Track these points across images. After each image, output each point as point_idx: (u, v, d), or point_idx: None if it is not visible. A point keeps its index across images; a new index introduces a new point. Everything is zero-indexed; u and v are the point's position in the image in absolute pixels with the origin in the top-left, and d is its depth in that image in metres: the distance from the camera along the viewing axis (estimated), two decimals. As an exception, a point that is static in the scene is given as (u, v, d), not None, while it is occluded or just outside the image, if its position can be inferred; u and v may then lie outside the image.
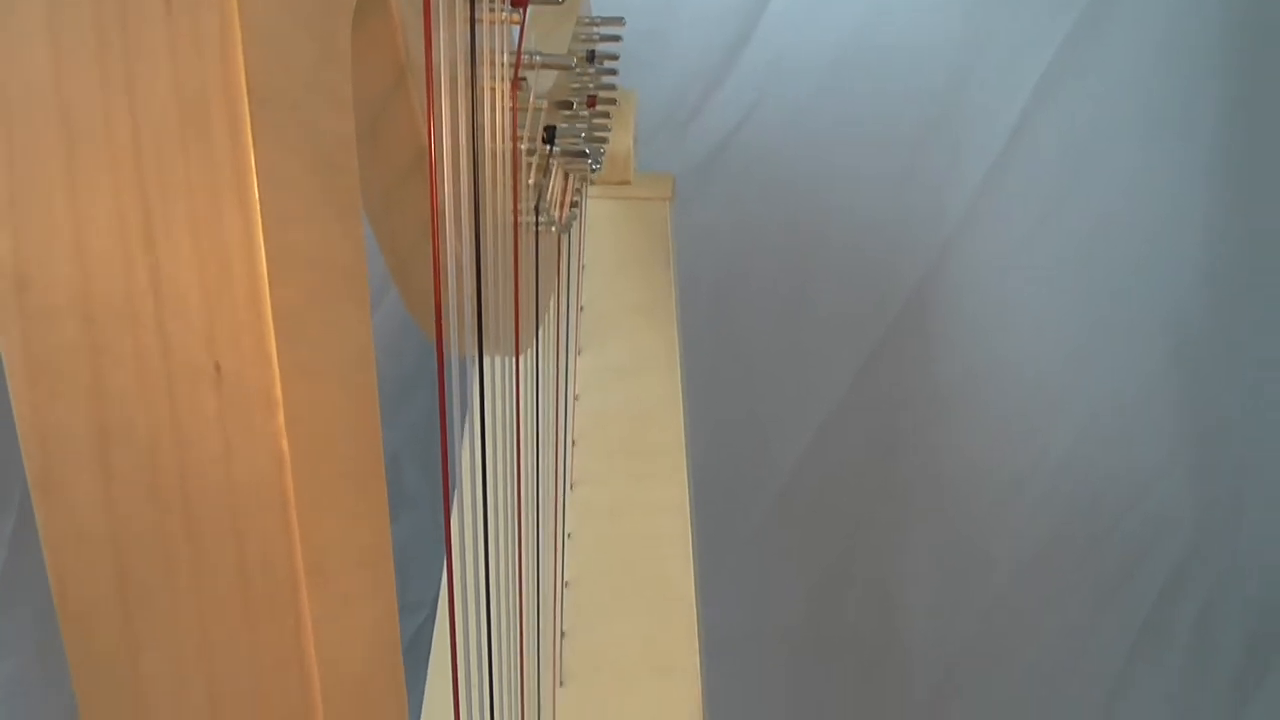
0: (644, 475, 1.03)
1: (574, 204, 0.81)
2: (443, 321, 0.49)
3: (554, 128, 0.63)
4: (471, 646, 0.56)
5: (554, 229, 0.70)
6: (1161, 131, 1.38)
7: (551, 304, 0.89)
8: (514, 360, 0.69)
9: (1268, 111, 1.37)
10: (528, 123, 0.61)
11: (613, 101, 0.90)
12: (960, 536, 1.49)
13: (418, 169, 0.47)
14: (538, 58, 0.56)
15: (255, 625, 0.29)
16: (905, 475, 1.48)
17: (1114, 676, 1.51)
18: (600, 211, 1.19)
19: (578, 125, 0.70)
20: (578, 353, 1.10)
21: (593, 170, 0.77)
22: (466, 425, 0.57)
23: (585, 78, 0.85)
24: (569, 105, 0.64)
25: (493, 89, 0.52)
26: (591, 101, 0.88)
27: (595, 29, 0.95)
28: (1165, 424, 1.45)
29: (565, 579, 1.01)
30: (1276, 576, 1.49)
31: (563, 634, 0.99)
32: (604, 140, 0.82)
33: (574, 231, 1.04)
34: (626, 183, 1.22)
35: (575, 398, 1.07)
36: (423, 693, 0.93)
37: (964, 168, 1.41)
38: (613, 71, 0.93)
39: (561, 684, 0.97)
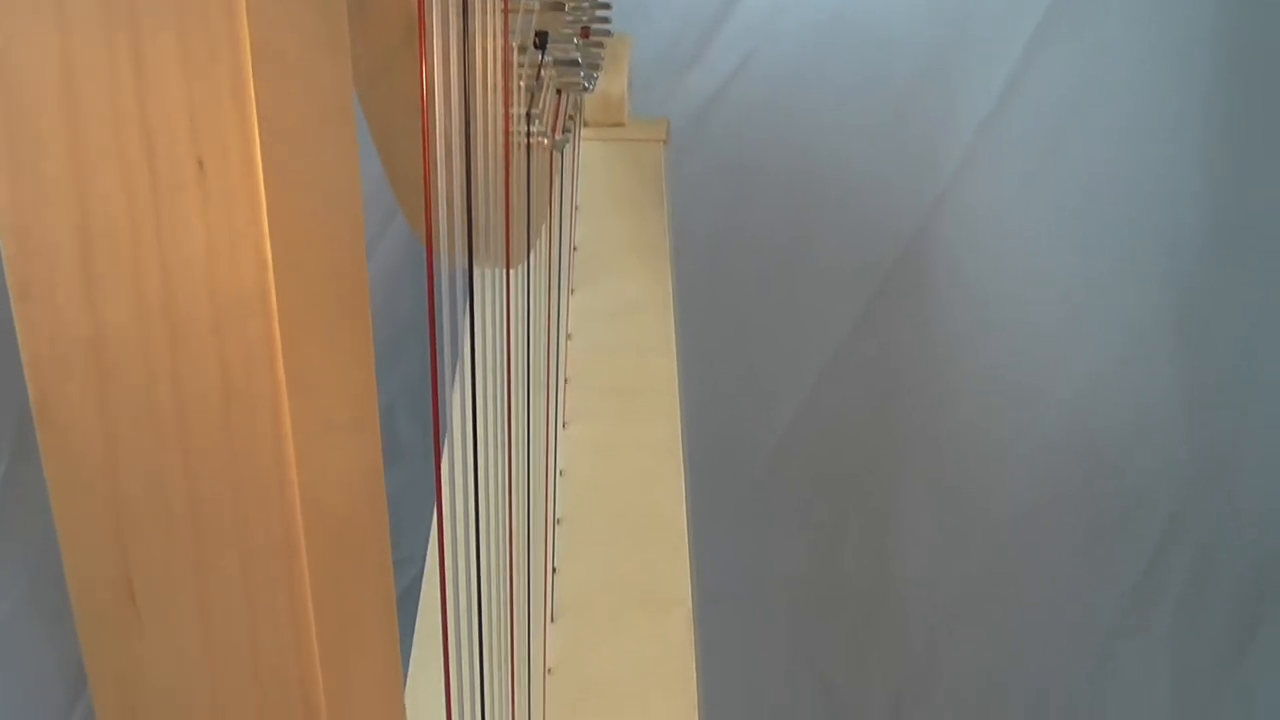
0: (637, 412, 1.03)
1: (567, 128, 0.81)
2: (432, 210, 0.49)
3: (546, 33, 0.63)
4: (461, 584, 0.56)
5: (545, 142, 0.70)
6: (1157, 82, 1.38)
7: (544, 236, 0.89)
8: (505, 298, 0.68)
9: (1264, 64, 1.37)
10: (519, 26, 0.61)
11: (607, 34, 0.90)
12: (956, 489, 1.49)
13: (407, 45, 0.46)
14: (529, -47, 0.56)
15: (237, 437, 0.29)
16: (901, 428, 1.48)
17: (1110, 629, 1.50)
18: (594, 153, 1.19)
19: (571, 37, 0.70)
20: (570, 292, 1.09)
21: (585, 90, 0.76)
22: (458, 363, 0.57)
23: (579, 11, 0.84)
24: (561, 6, 0.64)
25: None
26: (585, 33, 0.87)
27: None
28: (1161, 377, 1.45)
29: (557, 516, 1.00)
30: (1272, 529, 1.48)
31: (554, 570, 0.98)
32: (597, 66, 0.81)
33: (568, 170, 1.04)
34: (620, 124, 1.22)
35: (568, 337, 1.07)
36: (413, 629, 0.93)
37: (959, 120, 1.41)
38: (606, 5, 0.93)
39: (553, 620, 0.97)
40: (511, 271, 0.70)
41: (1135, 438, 1.46)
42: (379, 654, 0.34)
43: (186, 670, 0.30)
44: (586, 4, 0.88)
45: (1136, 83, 1.40)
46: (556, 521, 1.00)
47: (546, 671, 0.94)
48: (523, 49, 0.60)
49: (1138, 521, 1.49)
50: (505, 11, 0.57)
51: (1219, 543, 1.50)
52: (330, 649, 0.30)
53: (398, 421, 1.43)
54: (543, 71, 0.65)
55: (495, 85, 0.55)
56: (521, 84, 0.61)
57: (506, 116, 0.59)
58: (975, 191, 1.42)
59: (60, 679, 1.30)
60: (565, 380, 1.05)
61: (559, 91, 0.75)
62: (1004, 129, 1.41)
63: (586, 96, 1.22)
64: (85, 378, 0.28)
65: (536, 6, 0.61)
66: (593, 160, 1.19)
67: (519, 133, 0.65)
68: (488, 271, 0.63)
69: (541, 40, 0.62)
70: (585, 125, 1.20)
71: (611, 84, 1.19)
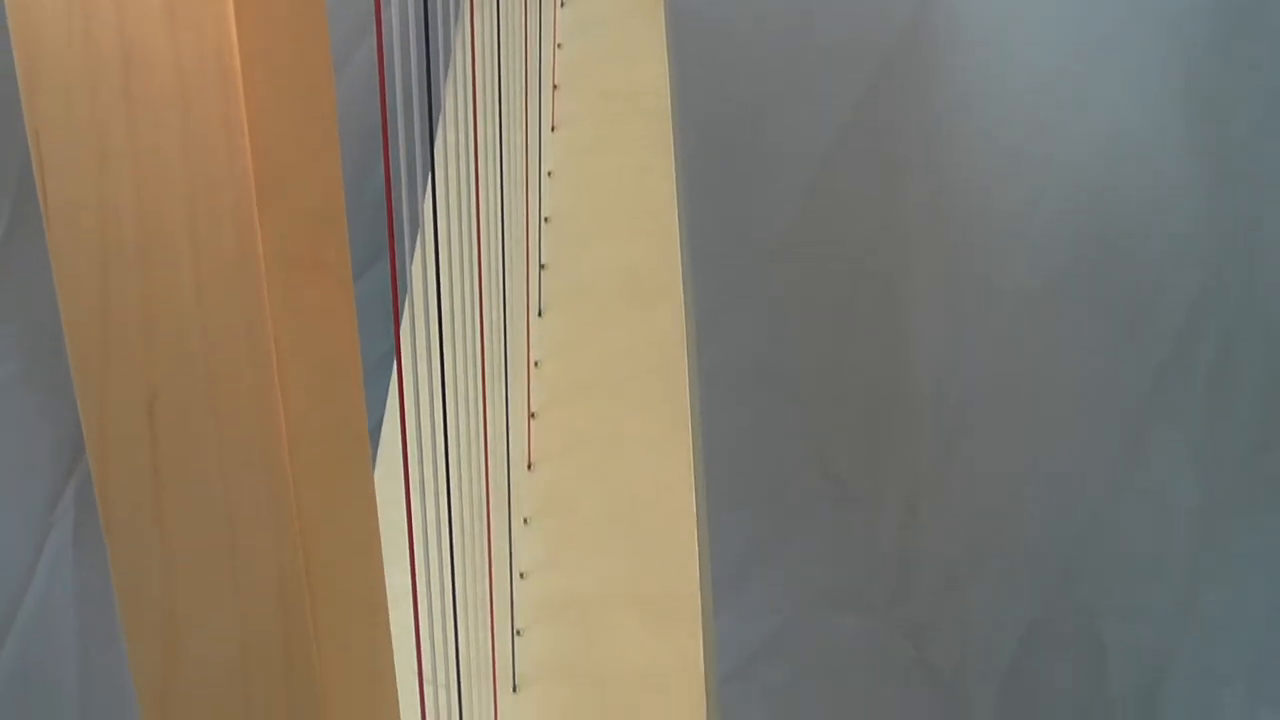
0: (628, 114, 1.00)
1: None
2: None
3: None
4: (417, 276, 0.52)
5: None
6: None
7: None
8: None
9: None
10: None
11: None
12: (967, 269, 1.43)
13: None
14: None
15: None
16: (910, 205, 1.43)
17: (1134, 416, 1.45)
18: None
19: None
20: (560, 5, 1.06)
21: None
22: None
23: None
24: None
25: None
26: None
27: None
28: (1179, 143, 1.39)
29: (545, 215, 0.98)
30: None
31: (542, 267, 0.96)
32: None
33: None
34: None
35: (558, 46, 1.04)
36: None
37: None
38: None
39: (540, 315, 0.94)
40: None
41: (1155, 207, 1.40)
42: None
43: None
44: None
45: None
46: (545, 220, 0.97)
47: (533, 364, 0.91)
48: None
49: (1161, 298, 1.42)
50: None
51: (1246, 326, 1.44)
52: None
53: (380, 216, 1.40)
54: None
55: None
56: None
57: None
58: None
59: (55, 454, 1.28)
60: (555, 87, 1.02)
61: None
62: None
63: None
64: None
65: None
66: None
67: None
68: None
69: None
70: None
71: None
